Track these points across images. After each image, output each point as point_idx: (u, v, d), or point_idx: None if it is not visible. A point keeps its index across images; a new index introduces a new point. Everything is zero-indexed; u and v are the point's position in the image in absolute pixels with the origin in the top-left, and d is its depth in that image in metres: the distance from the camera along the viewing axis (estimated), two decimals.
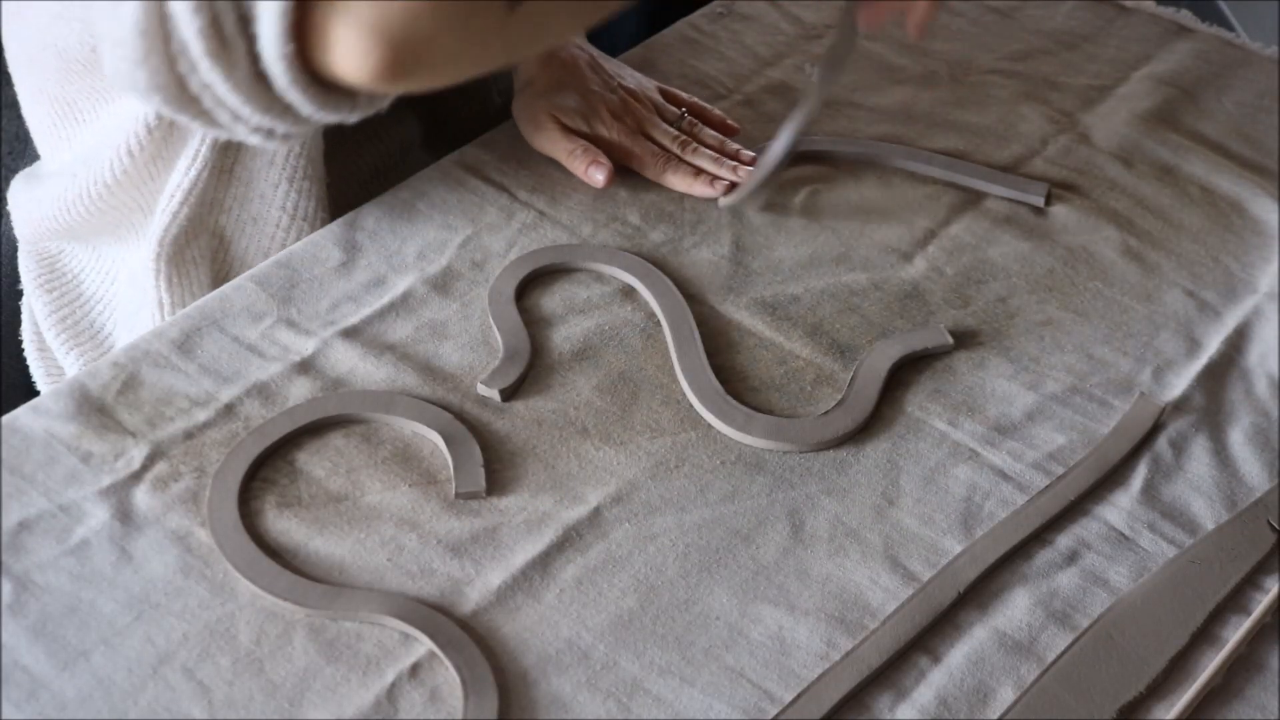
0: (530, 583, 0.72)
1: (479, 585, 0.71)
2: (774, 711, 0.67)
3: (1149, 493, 0.78)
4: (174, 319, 0.83)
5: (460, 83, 0.68)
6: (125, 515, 0.72)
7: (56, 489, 0.73)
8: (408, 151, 1.02)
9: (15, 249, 1.03)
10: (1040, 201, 0.96)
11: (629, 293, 0.88)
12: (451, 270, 0.88)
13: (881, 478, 0.78)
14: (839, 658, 0.69)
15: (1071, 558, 0.75)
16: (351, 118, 0.69)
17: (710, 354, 0.84)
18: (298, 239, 0.90)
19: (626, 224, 0.92)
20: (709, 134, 0.97)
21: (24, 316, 1.04)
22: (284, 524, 0.73)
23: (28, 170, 0.99)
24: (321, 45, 0.63)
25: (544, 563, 0.73)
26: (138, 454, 0.75)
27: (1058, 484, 0.78)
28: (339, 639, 0.69)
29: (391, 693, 0.67)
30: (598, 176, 0.92)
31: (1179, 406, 0.83)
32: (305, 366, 0.81)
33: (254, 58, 0.64)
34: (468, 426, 0.78)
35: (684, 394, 0.81)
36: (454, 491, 0.75)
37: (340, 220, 0.90)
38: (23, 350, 1.04)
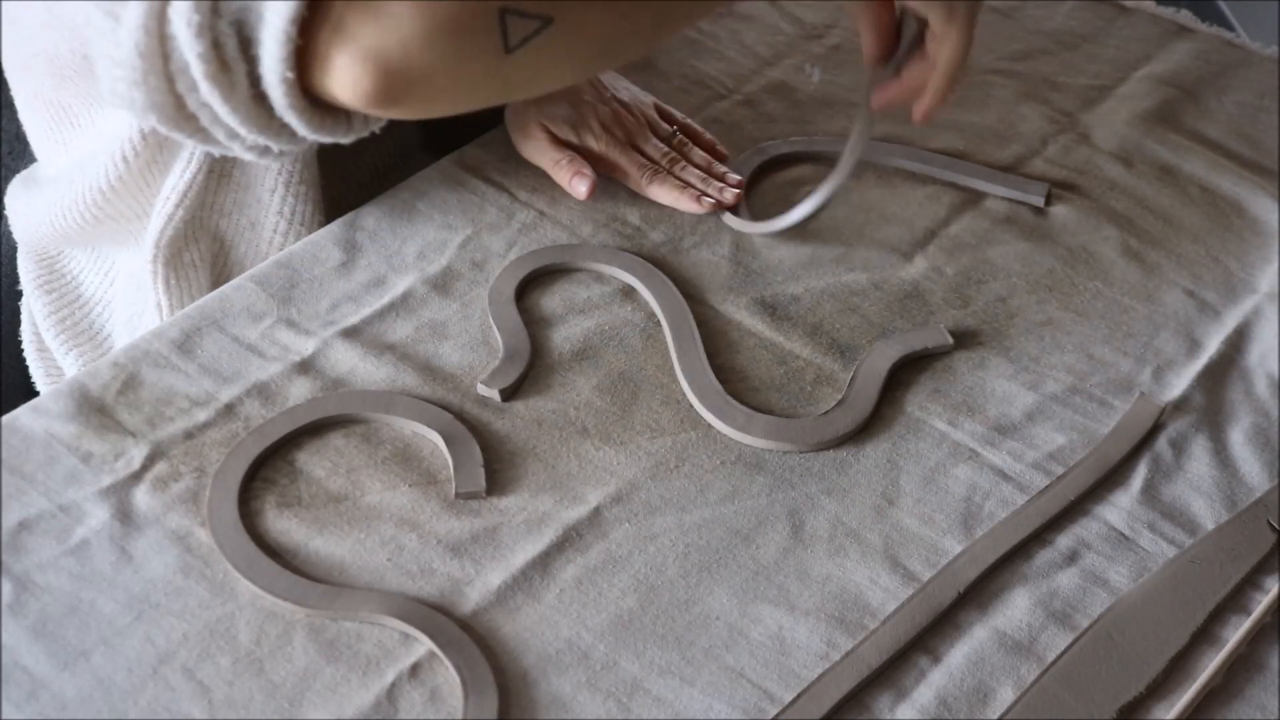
0: (530, 583, 0.72)
1: (479, 585, 0.71)
2: (774, 711, 0.67)
3: (1149, 493, 0.78)
4: (174, 319, 0.83)
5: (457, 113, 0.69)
6: (125, 515, 0.72)
7: (56, 489, 0.73)
8: (406, 155, 1.02)
9: (15, 250, 1.03)
10: (1040, 201, 0.96)
11: (629, 293, 0.88)
12: (451, 270, 0.88)
13: (881, 478, 0.78)
14: (839, 658, 0.69)
15: (1071, 558, 0.75)
16: (347, 138, 0.70)
17: (710, 354, 0.84)
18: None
19: (626, 224, 0.92)
20: (698, 154, 0.96)
21: (23, 317, 1.04)
22: (284, 524, 0.73)
23: (25, 173, 0.99)
24: (320, 70, 0.63)
25: (544, 563, 0.73)
26: (138, 454, 0.75)
27: (1058, 484, 0.78)
28: (339, 639, 0.69)
29: (391, 693, 0.67)
30: (580, 187, 0.91)
31: (1179, 406, 0.83)
32: (305, 366, 0.81)
33: (254, 79, 0.65)
34: (468, 426, 0.78)
35: (684, 394, 0.81)
36: (454, 491, 0.75)
37: (340, 220, 0.90)
38: (22, 351, 1.04)
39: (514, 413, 0.80)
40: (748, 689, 0.68)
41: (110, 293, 0.98)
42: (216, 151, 0.72)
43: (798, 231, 0.92)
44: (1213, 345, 0.87)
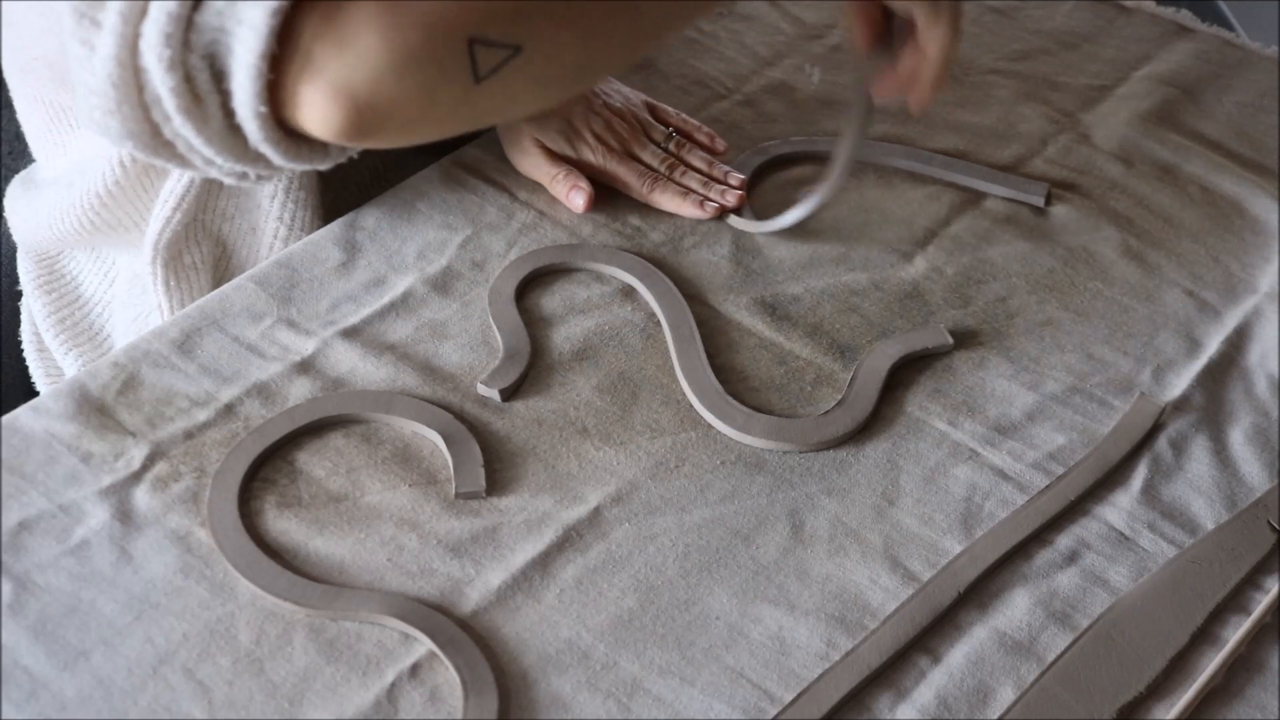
0: (530, 583, 0.72)
1: (479, 585, 0.71)
2: (774, 711, 0.67)
3: (1149, 493, 0.78)
4: (174, 319, 0.83)
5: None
6: (125, 515, 0.72)
7: (56, 489, 0.73)
8: (404, 158, 1.02)
9: (15, 250, 1.03)
10: (1040, 201, 0.96)
11: (629, 293, 0.88)
12: (451, 270, 0.88)
13: (881, 478, 0.78)
14: (839, 658, 0.69)
15: (1071, 558, 0.75)
16: (323, 166, 0.70)
17: (710, 354, 0.84)
18: None
19: (626, 224, 0.92)
20: (697, 155, 0.95)
21: (23, 317, 1.04)
22: (284, 524, 0.73)
23: (24, 175, 0.99)
24: (291, 104, 0.63)
25: (544, 563, 0.73)
26: (138, 454, 0.75)
27: (1058, 484, 0.78)
28: (339, 639, 0.69)
29: (391, 693, 0.67)
30: (578, 201, 0.91)
31: (1179, 406, 0.83)
32: (305, 366, 0.81)
33: (228, 110, 0.65)
34: (468, 426, 0.78)
35: (684, 394, 0.81)
36: (454, 491, 0.75)
37: (340, 220, 0.90)
38: (22, 351, 1.04)
39: (514, 413, 0.80)
40: (748, 689, 0.68)
41: (110, 293, 0.98)
42: (197, 176, 0.72)
43: (798, 231, 0.92)
44: (1213, 345, 0.87)
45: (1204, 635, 0.72)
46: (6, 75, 0.92)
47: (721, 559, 0.73)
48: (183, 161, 0.69)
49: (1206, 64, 1.10)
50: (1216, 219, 0.96)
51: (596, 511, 0.75)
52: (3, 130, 1.08)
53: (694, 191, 0.93)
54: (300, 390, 0.79)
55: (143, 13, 0.62)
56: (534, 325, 0.85)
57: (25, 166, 1.00)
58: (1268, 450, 0.81)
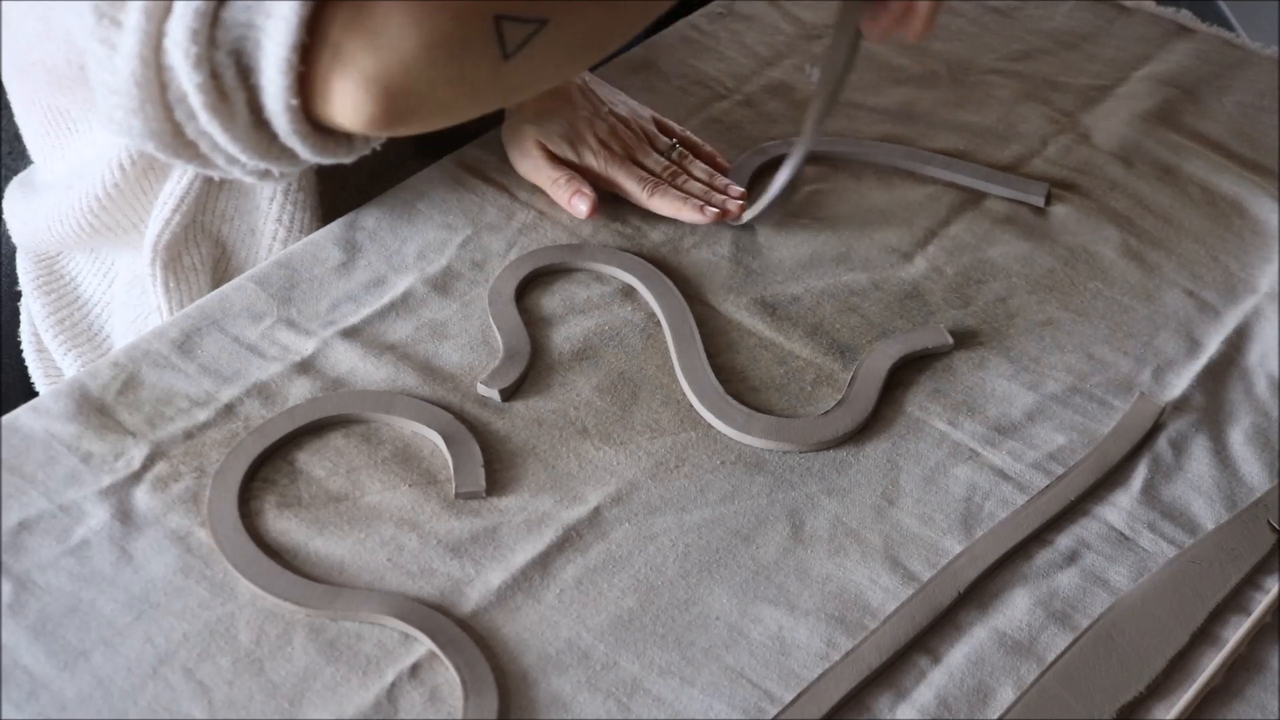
0: (530, 583, 0.72)
1: (479, 585, 0.71)
2: (774, 711, 0.67)
3: (1149, 493, 0.78)
4: (174, 319, 0.83)
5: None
6: (125, 515, 0.72)
7: (56, 489, 0.73)
8: (402, 159, 1.02)
9: (14, 250, 1.03)
10: (1040, 201, 0.96)
11: (629, 293, 0.88)
12: (451, 270, 0.88)
13: (881, 478, 0.78)
14: (839, 658, 0.69)
15: (1071, 558, 0.75)
16: (349, 158, 0.70)
17: (710, 354, 0.84)
18: None
19: (626, 224, 0.92)
20: (699, 167, 0.95)
21: (23, 318, 1.04)
22: (284, 524, 0.73)
23: (22, 177, 0.99)
24: (321, 97, 0.63)
25: (544, 563, 0.73)
26: (138, 454, 0.75)
27: (1058, 484, 0.78)
28: (339, 639, 0.69)
29: (391, 693, 0.67)
30: (581, 207, 0.91)
31: (1179, 406, 0.83)
32: (305, 366, 0.81)
33: (254, 108, 0.65)
34: (468, 426, 0.78)
35: (684, 394, 0.81)
36: (454, 491, 0.75)
37: (340, 220, 0.90)
38: (22, 351, 1.04)
39: (514, 413, 0.80)
40: (748, 689, 0.68)
41: (109, 294, 0.98)
42: (216, 175, 0.72)
43: (798, 231, 0.92)
44: (1213, 345, 0.87)
45: (1204, 635, 0.72)
46: (5, 79, 0.92)
47: (721, 559, 0.73)
48: (204, 161, 0.68)
49: (1206, 64, 1.10)
50: (1216, 219, 0.96)
51: (596, 511, 0.75)
52: (2, 131, 1.08)
53: (694, 197, 0.92)
54: (300, 390, 0.79)
55: (167, 10, 0.61)
56: (534, 325, 0.85)
57: (25, 167, 1.00)
58: (1268, 450, 0.81)
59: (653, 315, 0.86)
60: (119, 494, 0.73)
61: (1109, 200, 0.97)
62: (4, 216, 1.00)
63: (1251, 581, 0.74)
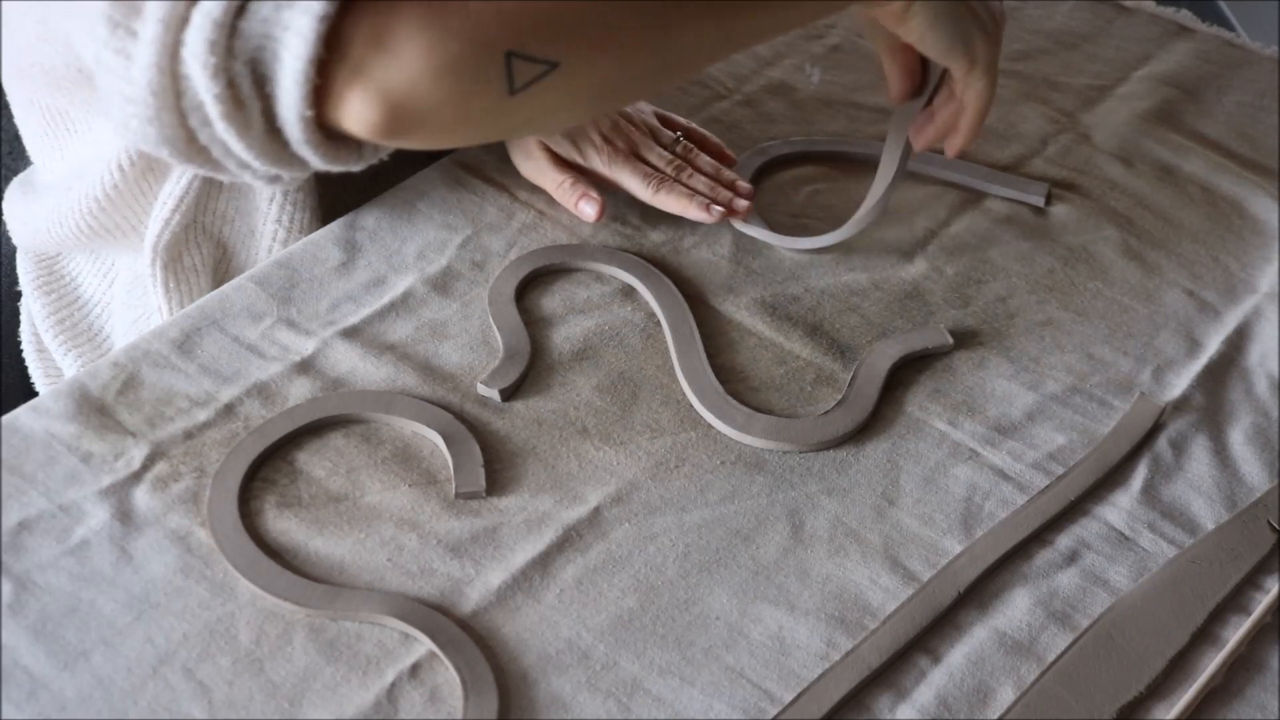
0: (530, 583, 0.72)
1: (479, 585, 0.71)
2: (774, 711, 0.67)
3: (1149, 493, 0.78)
4: (174, 319, 0.83)
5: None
6: (125, 515, 0.72)
7: (56, 489, 0.73)
8: (403, 159, 1.01)
9: (14, 250, 1.03)
10: (1040, 201, 0.96)
11: (629, 293, 0.88)
12: (451, 270, 0.88)
13: (881, 478, 0.78)
14: (839, 658, 0.69)
15: (1071, 558, 0.75)
16: (358, 166, 0.70)
17: (710, 354, 0.84)
18: None
19: (626, 224, 0.92)
20: (705, 160, 0.94)
21: (23, 318, 1.04)
22: (284, 524, 0.73)
23: (22, 178, 0.99)
24: (332, 105, 0.64)
25: (544, 563, 0.73)
26: (138, 454, 0.75)
27: (1058, 484, 0.78)
28: (339, 639, 0.69)
29: (391, 693, 0.67)
30: (589, 211, 0.90)
31: (1179, 406, 0.83)
32: (305, 366, 0.81)
33: (268, 116, 0.65)
34: (468, 426, 0.78)
35: (684, 394, 0.81)
36: (454, 491, 0.75)
37: (340, 220, 0.90)
38: (22, 351, 1.04)
39: (514, 413, 0.80)
40: (748, 689, 0.68)
41: (109, 294, 0.98)
42: (227, 179, 0.72)
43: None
44: (1213, 345, 0.87)
45: (1204, 635, 0.72)
46: (4, 80, 0.92)
47: (721, 559, 0.73)
48: (216, 166, 0.69)
49: (1206, 64, 1.10)
50: (1216, 219, 0.96)
51: (596, 511, 0.75)
52: (2, 131, 1.08)
53: (700, 194, 0.91)
54: (300, 390, 0.79)
55: (184, 20, 0.62)
56: (534, 325, 0.85)
57: (25, 167, 1.00)
58: (1268, 450, 0.81)
59: (653, 315, 0.86)
60: (119, 494, 0.73)
61: (1109, 200, 0.97)
62: (4, 217, 1.00)
63: (1251, 581, 0.74)
